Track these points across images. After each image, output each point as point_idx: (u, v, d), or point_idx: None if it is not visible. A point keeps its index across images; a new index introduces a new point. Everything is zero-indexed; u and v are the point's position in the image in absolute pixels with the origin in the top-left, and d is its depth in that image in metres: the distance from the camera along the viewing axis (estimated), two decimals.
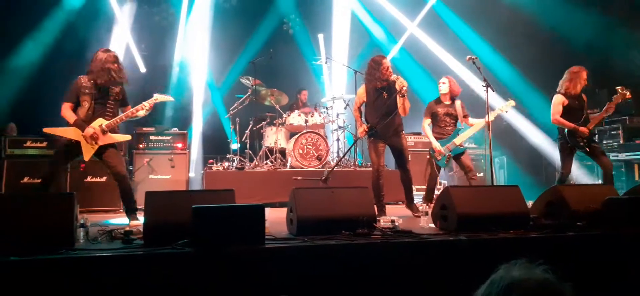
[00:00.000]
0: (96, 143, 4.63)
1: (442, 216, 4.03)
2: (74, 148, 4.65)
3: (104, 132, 4.64)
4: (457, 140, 5.68)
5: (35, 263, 2.86)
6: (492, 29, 9.12)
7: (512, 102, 5.70)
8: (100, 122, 4.63)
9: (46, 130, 4.80)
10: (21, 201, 3.54)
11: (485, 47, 9.05)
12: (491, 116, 5.47)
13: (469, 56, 5.48)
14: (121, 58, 8.28)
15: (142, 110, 4.87)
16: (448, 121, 5.80)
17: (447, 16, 9.79)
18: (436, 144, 5.75)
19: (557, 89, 5.72)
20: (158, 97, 5.00)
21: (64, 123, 4.66)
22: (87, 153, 4.63)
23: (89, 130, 4.58)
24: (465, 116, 5.83)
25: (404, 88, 5.03)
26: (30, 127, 6.41)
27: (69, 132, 4.63)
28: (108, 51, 4.80)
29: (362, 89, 5.47)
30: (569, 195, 4.19)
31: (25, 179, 5.98)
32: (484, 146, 7.87)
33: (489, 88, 5.26)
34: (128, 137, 5.17)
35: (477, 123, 5.76)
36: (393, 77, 5.16)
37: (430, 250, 3.44)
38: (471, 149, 8.13)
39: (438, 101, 5.90)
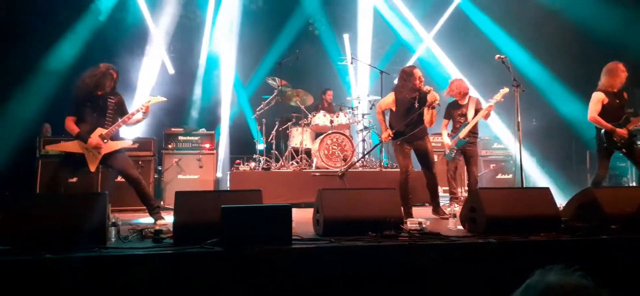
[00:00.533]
0: (99, 153, 4.72)
1: (470, 219, 3.97)
2: (77, 160, 4.72)
3: (104, 140, 4.72)
4: (461, 134, 5.91)
5: (70, 260, 2.94)
6: (519, 26, 8.93)
7: (505, 90, 5.71)
8: (99, 131, 4.71)
9: (49, 147, 4.92)
10: (56, 200, 3.65)
11: (512, 44, 8.86)
12: (491, 102, 5.75)
13: (498, 55, 5.39)
14: (152, 59, 8.53)
15: (138, 113, 4.93)
16: (461, 121, 6.03)
17: (473, 13, 9.63)
18: (445, 140, 6.13)
19: (598, 87, 5.51)
20: (151, 99, 5.10)
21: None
22: (92, 163, 4.71)
23: (93, 140, 4.66)
24: (477, 110, 5.96)
25: (436, 102, 5.12)
26: (64, 128, 6.59)
27: (72, 146, 4.71)
28: (107, 66, 4.85)
29: (390, 97, 5.47)
30: (603, 197, 4.07)
31: None
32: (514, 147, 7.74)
33: (518, 87, 5.16)
34: (129, 142, 5.21)
35: (478, 115, 5.91)
36: (425, 88, 5.21)
37: (458, 252, 3.40)
38: (500, 149, 8.01)
39: (455, 104, 6.13)
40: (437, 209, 5.38)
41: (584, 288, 1.06)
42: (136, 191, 4.84)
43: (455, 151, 6.02)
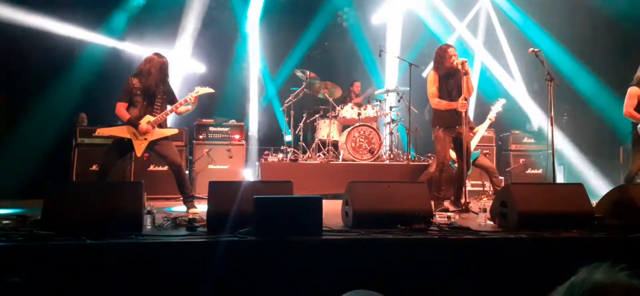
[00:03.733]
0: (146, 139, 4.88)
1: (501, 214, 3.94)
2: (125, 144, 4.90)
3: (152, 127, 4.87)
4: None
5: (108, 246, 3.05)
6: (551, 18, 8.73)
7: (502, 101, 5.87)
8: (147, 119, 4.87)
9: (99, 131, 5.13)
10: (95, 188, 3.78)
11: (545, 37, 8.67)
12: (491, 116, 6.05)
13: (531, 48, 5.29)
14: (180, 53, 8.65)
15: (187, 104, 5.09)
16: None
17: (505, 5, 9.45)
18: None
19: (633, 82, 5.39)
20: (199, 90, 5.20)
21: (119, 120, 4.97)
22: (139, 148, 4.88)
23: (143, 126, 4.82)
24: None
25: (466, 64, 4.95)
26: (99, 117, 6.78)
27: (121, 131, 4.88)
28: (160, 56, 5.01)
29: (431, 76, 5.25)
30: (638, 194, 3.98)
31: (94, 167, 6.31)
32: (544, 142, 7.60)
33: (552, 82, 5.07)
34: (175, 131, 5.35)
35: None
36: (456, 62, 5.04)
37: (489, 247, 3.39)
38: (529, 144, 7.87)
39: None
40: (457, 201, 5.17)
41: (633, 288, 1.00)
42: (176, 178, 5.00)
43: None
